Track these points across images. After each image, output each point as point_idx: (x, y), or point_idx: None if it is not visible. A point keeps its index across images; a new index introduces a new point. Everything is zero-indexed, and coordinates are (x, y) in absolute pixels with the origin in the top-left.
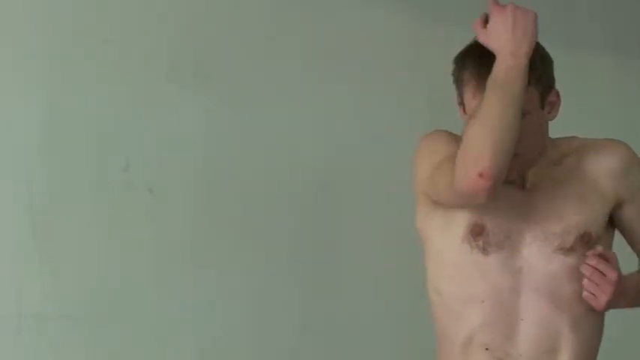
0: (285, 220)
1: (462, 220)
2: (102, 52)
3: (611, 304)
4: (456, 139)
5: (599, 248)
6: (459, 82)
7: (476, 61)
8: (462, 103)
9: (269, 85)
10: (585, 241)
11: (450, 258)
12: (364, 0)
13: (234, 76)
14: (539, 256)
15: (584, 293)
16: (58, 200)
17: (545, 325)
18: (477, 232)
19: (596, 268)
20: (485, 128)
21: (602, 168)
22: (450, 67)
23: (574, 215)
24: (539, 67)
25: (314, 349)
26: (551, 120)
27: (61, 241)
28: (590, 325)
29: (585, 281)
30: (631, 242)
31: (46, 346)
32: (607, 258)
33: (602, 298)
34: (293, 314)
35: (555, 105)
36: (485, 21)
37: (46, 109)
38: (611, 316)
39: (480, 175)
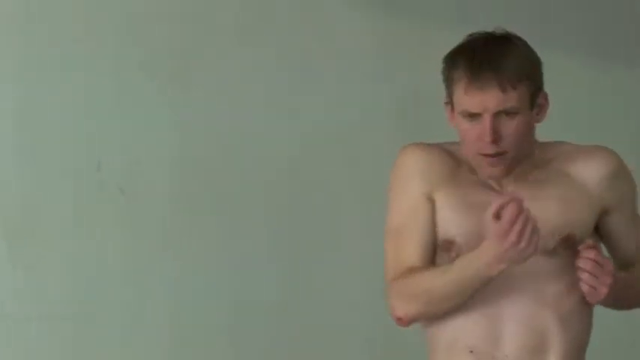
0: (259, 219)
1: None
2: (75, 51)
3: (607, 297)
4: (431, 152)
5: (590, 241)
6: (449, 80)
7: (468, 59)
8: (449, 103)
9: (243, 85)
10: (569, 244)
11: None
12: (339, 1)
13: (207, 76)
14: None
15: (585, 287)
16: (30, 200)
17: (530, 325)
18: (446, 248)
19: (595, 260)
20: (431, 294)
21: (591, 174)
22: (427, 67)
23: (556, 218)
24: (529, 66)
25: (292, 350)
26: (538, 122)
27: (33, 241)
28: (578, 321)
29: (585, 275)
30: (612, 250)
31: (19, 347)
32: (599, 250)
33: (603, 290)
34: (271, 313)
35: (543, 107)
36: (498, 214)
37: (19, 108)
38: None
39: (399, 319)
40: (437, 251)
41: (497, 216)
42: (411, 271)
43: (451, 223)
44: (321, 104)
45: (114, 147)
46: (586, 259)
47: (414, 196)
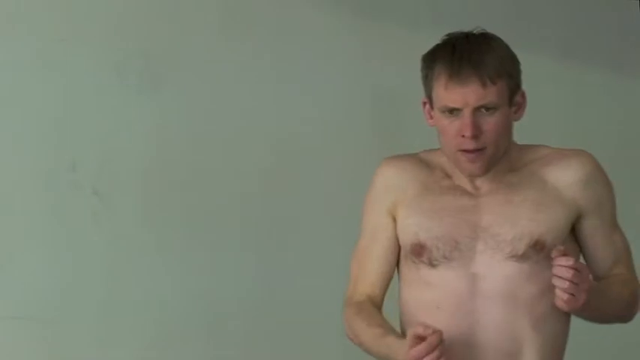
0: (236, 219)
1: (402, 240)
2: (50, 52)
3: (587, 303)
4: (402, 165)
5: (561, 248)
6: (428, 78)
7: (448, 55)
8: (427, 102)
9: (216, 87)
10: (538, 249)
11: (400, 270)
12: (318, 2)
13: (181, 78)
14: (493, 262)
15: (565, 296)
16: (2, 200)
17: (505, 329)
18: (417, 252)
19: (574, 267)
20: (364, 347)
21: (565, 177)
22: (404, 67)
23: (526, 222)
24: (509, 64)
25: (269, 346)
26: (516, 120)
27: (6, 241)
28: (552, 325)
29: (567, 284)
30: (589, 260)
31: None
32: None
33: (582, 296)
34: (248, 312)
35: (521, 106)
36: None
37: None
38: None
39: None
40: (408, 256)
41: (421, 338)
42: (364, 306)
43: (420, 227)
44: (301, 104)
45: (88, 147)
46: (562, 268)
47: (377, 217)
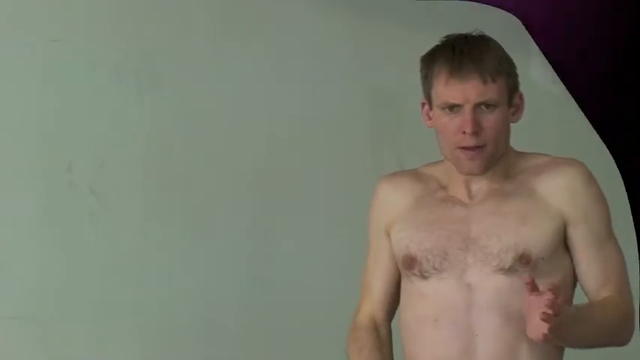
0: (233, 217)
1: (396, 254)
2: (47, 52)
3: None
4: (397, 182)
5: (529, 278)
6: (428, 76)
7: (449, 53)
8: (426, 103)
9: (215, 87)
10: (524, 263)
11: (401, 286)
12: (307, 2)
13: (179, 78)
14: (482, 275)
15: (532, 327)
16: (0, 200)
17: (500, 339)
18: (408, 265)
19: (551, 290)
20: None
21: (552, 186)
22: (394, 67)
23: (512, 235)
24: (507, 63)
25: (268, 347)
26: (514, 122)
27: (4, 242)
28: None
29: (534, 314)
30: (577, 269)
31: None
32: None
33: (551, 325)
34: (246, 312)
35: (519, 108)
36: None
37: None
38: None
39: None
40: (402, 270)
41: None
42: (361, 335)
43: (411, 240)
44: (300, 104)
45: (86, 147)
46: (533, 298)
47: (377, 238)
